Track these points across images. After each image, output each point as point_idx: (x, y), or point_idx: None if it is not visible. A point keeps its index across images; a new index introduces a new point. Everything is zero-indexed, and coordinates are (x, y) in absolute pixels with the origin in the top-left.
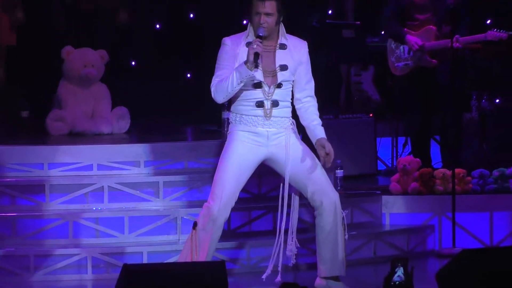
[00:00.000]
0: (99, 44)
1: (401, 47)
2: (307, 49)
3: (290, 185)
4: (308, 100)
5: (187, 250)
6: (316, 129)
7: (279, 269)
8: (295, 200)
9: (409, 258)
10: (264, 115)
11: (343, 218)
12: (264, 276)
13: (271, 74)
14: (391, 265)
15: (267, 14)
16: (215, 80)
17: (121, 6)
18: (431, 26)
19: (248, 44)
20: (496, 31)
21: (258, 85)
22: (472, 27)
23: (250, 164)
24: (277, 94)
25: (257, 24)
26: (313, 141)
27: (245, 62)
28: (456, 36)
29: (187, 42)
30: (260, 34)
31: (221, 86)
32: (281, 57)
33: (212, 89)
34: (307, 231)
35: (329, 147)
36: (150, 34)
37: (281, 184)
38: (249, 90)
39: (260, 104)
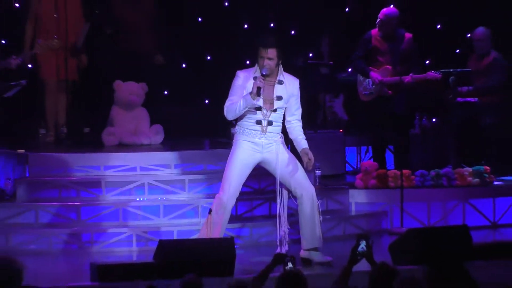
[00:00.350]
0: (141, 78)
1: (367, 80)
2: (298, 85)
3: (280, 182)
4: (295, 122)
5: (204, 230)
6: (301, 142)
7: (278, 243)
8: (284, 193)
9: (369, 235)
10: (261, 131)
11: (318, 206)
12: (277, 250)
13: (270, 101)
14: (356, 239)
15: (269, 58)
16: (227, 103)
17: (157, 51)
18: (388, 66)
19: (255, 78)
20: (434, 72)
21: (259, 109)
22: (421, 66)
23: (249, 166)
24: (272, 116)
25: (261, 65)
26: (299, 150)
27: (250, 93)
28: (411, 74)
29: (205, 77)
30: (264, 73)
31: (231, 108)
32: (278, 90)
33: (225, 109)
34: (293, 215)
35: (310, 154)
36: (178, 71)
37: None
38: (252, 111)
39: (259, 122)
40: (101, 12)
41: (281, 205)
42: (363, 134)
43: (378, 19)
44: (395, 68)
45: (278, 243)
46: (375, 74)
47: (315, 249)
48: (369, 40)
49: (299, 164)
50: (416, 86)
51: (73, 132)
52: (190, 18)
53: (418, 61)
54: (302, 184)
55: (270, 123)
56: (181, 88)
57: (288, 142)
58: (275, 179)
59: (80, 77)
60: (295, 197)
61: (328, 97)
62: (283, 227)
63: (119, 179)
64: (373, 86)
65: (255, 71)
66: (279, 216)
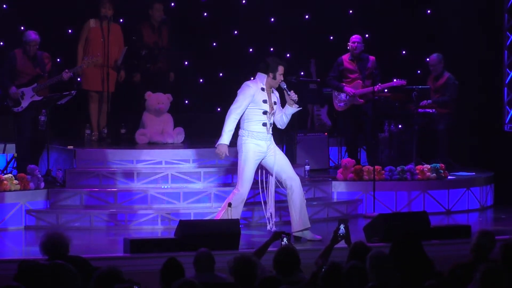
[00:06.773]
0: (167, 90)
1: (341, 94)
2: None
3: (268, 173)
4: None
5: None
6: (284, 109)
7: (267, 221)
8: (271, 183)
9: (348, 219)
10: (266, 131)
11: (303, 193)
12: (268, 227)
13: (271, 106)
14: (338, 223)
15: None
16: (234, 107)
17: (169, 70)
18: (359, 81)
19: (263, 89)
20: (398, 79)
21: (265, 113)
22: (382, 81)
23: (257, 165)
24: (271, 118)
25: (279, 79)
26: (285, 110)
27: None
28: (379, 83)
29: (218, 90)
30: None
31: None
32: (273, 97)
33: (230, 113)
34: (284, 202)
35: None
36: (197, 85)
37: (259, 171)
38: (259, 115)
39: (264, 124)
40: (137, 39)
41: (270, 192)
42: (343, 136)
43: (349, 43)
44: (364, 82)
45: (267, 221)
46: (349, 88)
47: (306, 229)
48: (340, 63)
49: (288, 160)
50: (386, 98)
51: (112, 132)
52: (207, 44)
53: (380, 76)
54: (291, 177)
55: (270, 124)
56: (198, 98)
57: (284, 144)
58: (269, 172)
59: (119, 88)
60: (284, 188)
61: (316, 107)
62: (270, 210)
63: (148, 171)
64: (347, 98)
65: (258, 82)
66: (267, 202)
